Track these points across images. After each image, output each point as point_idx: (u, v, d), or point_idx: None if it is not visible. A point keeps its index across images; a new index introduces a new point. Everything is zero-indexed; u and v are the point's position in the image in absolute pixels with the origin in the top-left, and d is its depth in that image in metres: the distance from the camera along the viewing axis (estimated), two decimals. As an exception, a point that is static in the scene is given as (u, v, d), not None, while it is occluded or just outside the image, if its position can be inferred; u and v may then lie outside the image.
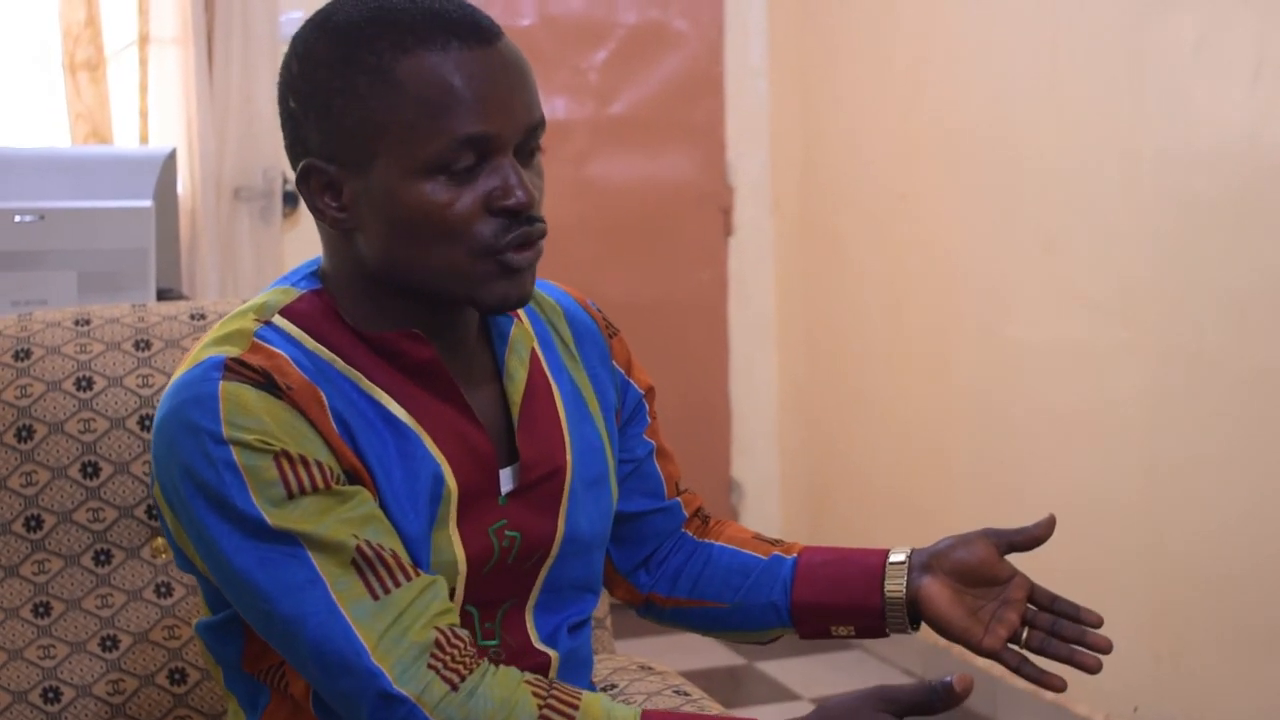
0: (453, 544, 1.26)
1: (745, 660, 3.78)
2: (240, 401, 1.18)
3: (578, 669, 1.40)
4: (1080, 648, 1.40)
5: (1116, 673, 3.00)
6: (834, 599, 1.44)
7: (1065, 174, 3.09)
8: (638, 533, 1.49)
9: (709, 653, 3.83)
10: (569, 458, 1.34)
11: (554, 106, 4.04)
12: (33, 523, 1.55)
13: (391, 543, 1.20)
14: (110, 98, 3.46)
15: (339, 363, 1.24)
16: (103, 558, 1.58)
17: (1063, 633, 1.41)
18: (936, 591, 1.41)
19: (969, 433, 3.43)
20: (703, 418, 4.20)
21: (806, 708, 3.40)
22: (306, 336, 1.25)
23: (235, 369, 1.19)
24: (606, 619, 1.83)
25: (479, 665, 1.18)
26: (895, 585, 1.42)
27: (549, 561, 1.34)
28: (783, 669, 3.70)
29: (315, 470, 1.18)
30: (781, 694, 3.57)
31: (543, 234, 1.25)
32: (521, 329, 1.35)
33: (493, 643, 1.31)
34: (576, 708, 1.18)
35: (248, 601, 1.19)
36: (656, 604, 1.52)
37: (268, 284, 1.34)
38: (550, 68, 4.03)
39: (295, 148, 1.25)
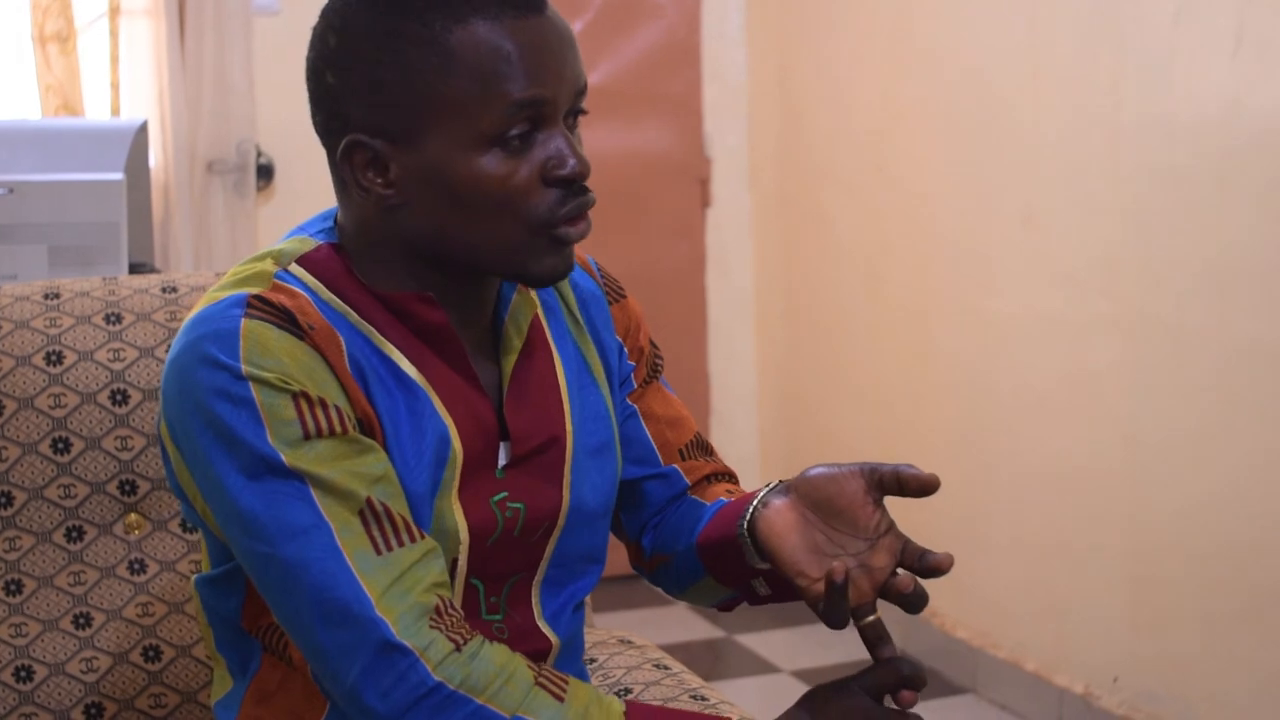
0: (454, 512, 1.25)
1: (725, 633, 3.78)
2: (261, 339, 1.17)
3: (572, 657, 1.40)
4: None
5: (1096, 644, 3.02)
6: (720, 532, 1.32)
7: (1045, 146, 3.08)
8: (634, 499, 1.44)
9: (688, 626, 3.83)
10: (569, 427, 1.33)
11: (530, 78, 4.01)
12: (2, 499, 1.53)
13: (398, 506, 1.19)
14: (81, 70, 3.42)
15: (352, 315, 1.24)
16: (75, 534, 1.56)
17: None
18: (778, 514, 1.26)
19: (949, 405, 3.43)
20: (681, 391, 4.12)
21: (787, 680, 3.43)
22: (322, 286, 1.24)
23: (258, 306, 1.18)
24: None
25: (475, 635, 1.18)
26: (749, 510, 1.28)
27: (556, 533, 1.33)
28: (763, 641, 3.69)
29: (333, 413, 1.17)
30: (761, 666, 3.57)
31: (593, 204, 1.24)
32: (524, 297, 1.33)
33: (497, 617, 1.30)
34: (566, 684, 1.19)
35: (249, 543, 1.17)
36: (647, 569, 1.46)
37: (242, 258, 1.33)
38: (526, 39, 3.99)
39: (331, 124, 1.22)
